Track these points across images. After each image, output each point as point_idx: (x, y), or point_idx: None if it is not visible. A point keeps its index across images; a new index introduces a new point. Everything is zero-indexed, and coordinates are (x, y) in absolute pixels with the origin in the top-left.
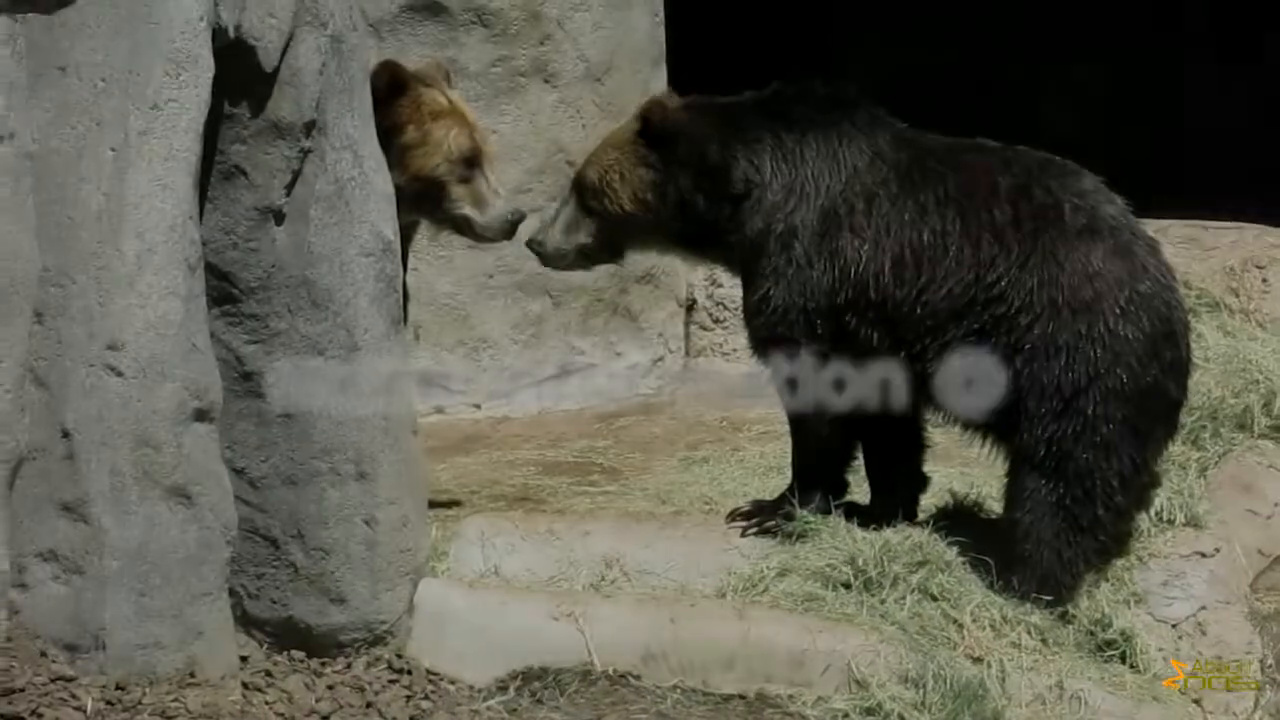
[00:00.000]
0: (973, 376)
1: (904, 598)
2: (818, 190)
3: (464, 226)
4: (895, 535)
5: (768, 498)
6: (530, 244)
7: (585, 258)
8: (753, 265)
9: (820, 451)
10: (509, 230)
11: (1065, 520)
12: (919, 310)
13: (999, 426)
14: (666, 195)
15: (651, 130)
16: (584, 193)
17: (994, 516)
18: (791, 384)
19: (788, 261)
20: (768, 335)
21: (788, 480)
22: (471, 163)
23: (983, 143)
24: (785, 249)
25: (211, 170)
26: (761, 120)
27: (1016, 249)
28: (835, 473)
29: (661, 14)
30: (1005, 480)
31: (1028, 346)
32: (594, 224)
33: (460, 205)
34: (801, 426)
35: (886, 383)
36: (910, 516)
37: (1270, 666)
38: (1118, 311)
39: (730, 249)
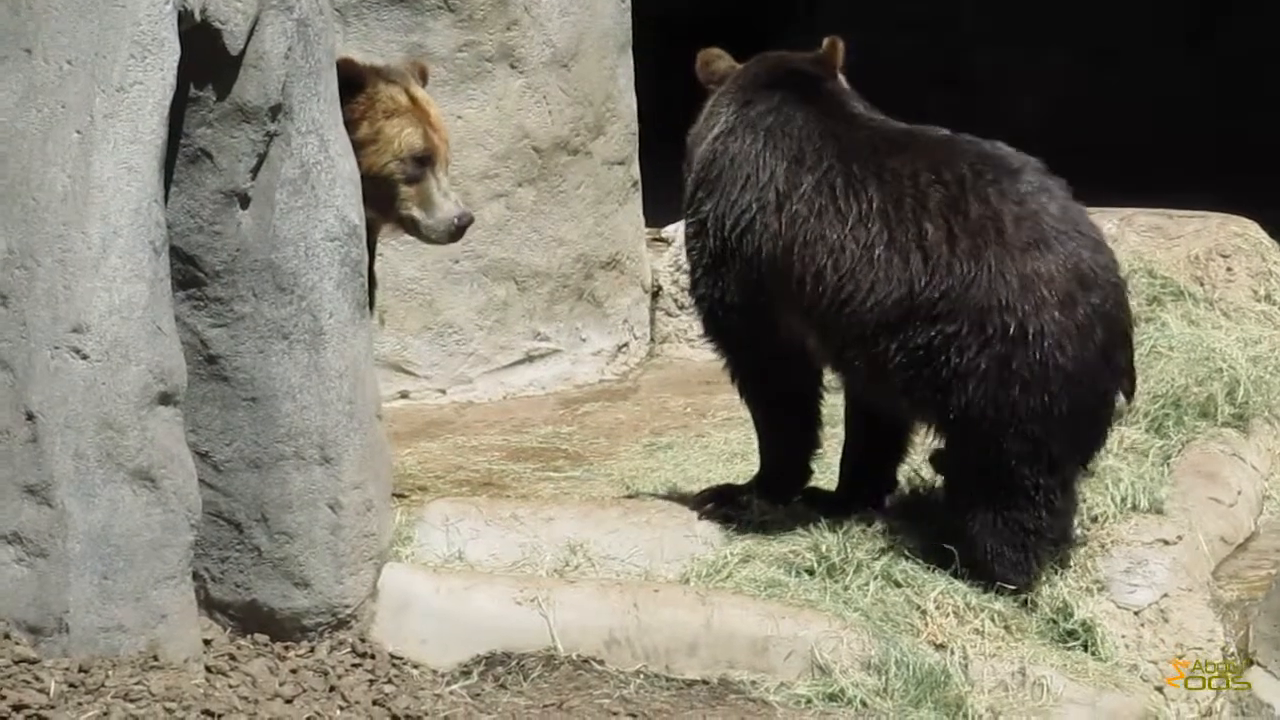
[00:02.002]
0: (918, 391)
1: (867, 584)
2: (733, 185)
3: (410, 226)
4: (859, 522)
5: (736, 483)
6: None
7: None
8: (685, 245)
9: (775, 438)
10: (454, 234)
11: (1010, 528)
12: (843, 320)
13: (937, 430)
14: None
15: (699, 77)
16: None
17: None
18: (734, 372)
19: (701, 251)
20: (704, 324)
21: (755, 467)
22: (422, 162)
23: (923, 135)
24: (697, 237)
25: (177, 153)
26: (733, 98)
27: (959, 267)
28: (796, 460)
29: (629, 0)
30: (946, 484)
31: (981, 368)
32: None
33: (407, 205)
34: (757, 415)
35: (820, 381)
36: (875, 508)
37: (1232, 655)
38: (1073, 332)
39: None
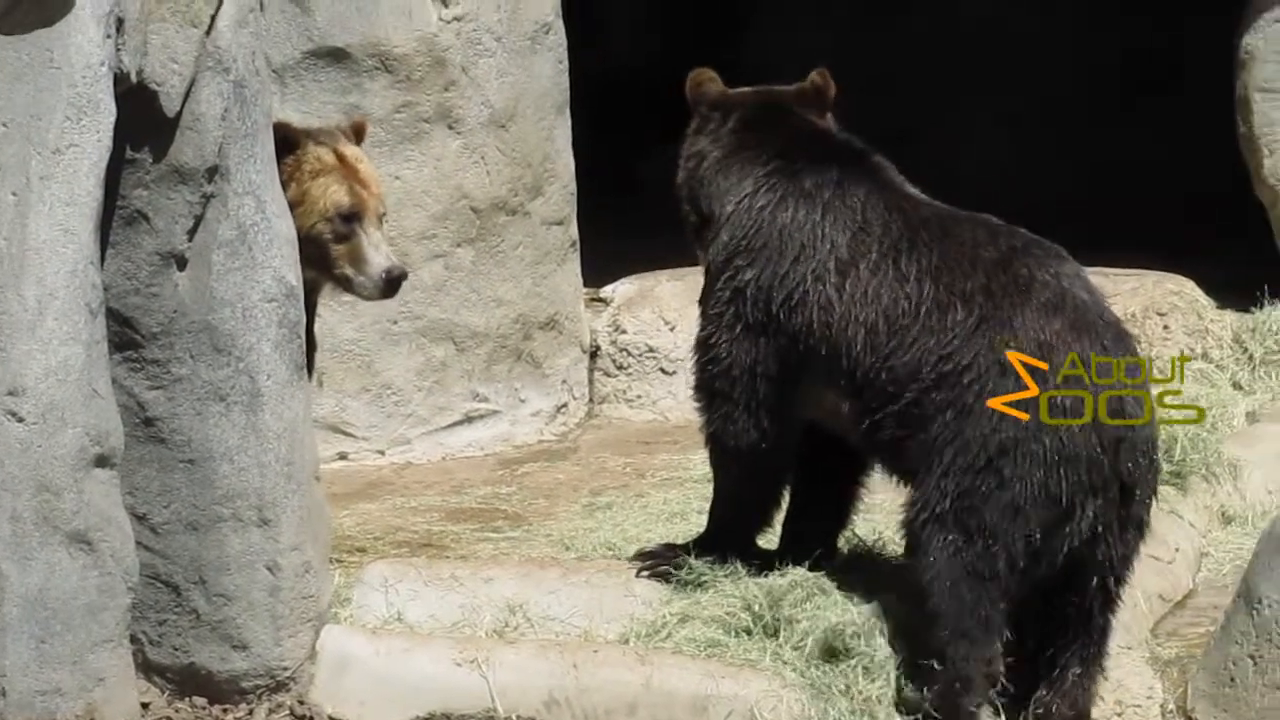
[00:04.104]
0: (910, 428)
1: (803, 642)
2: (782, 257)
3: (346, 285)
4: (791, 579)
5: (675, 543)
6: None
7: None
8: (705, 300)
9: (735, 507)
10: (386, 288)
11: (970, 576)
12: (883, 376)
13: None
14: (677, 178)
15: (687, 96)
16: None
17: (895, 560)
18: (716, 434)
19: (736, 317)
20: (708, 384)
21: (697, 527)
22: (350, 219)
23: (982, 217)
24: (733, 303)
25: (113, 215)
26: (766, 156)
27: (978, 311)
28: (748, 532)
29: (566, 60)
30: (904, 525)
31: (962, 403)
32: None
33: (340, 264)
34: (726, 482)
35: (826, 448)
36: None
37: (1171, 711)
38: (1059, 378)
39: None
